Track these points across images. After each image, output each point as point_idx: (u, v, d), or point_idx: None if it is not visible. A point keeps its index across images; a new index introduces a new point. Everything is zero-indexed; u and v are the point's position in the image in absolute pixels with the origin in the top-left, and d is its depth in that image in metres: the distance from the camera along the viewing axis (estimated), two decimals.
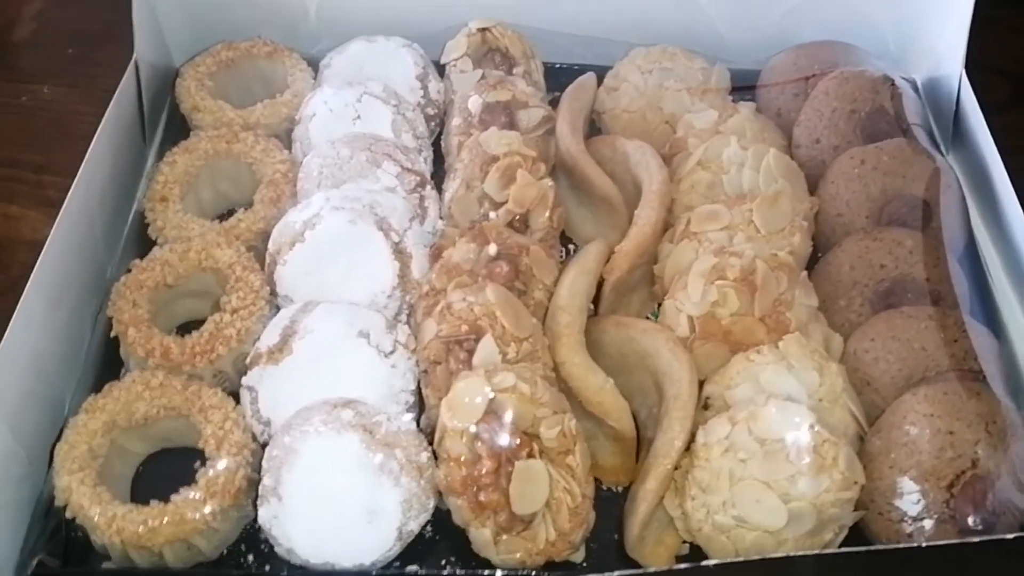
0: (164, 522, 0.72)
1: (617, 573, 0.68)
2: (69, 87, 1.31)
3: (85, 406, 0.79)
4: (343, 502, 0.73)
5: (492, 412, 0.74)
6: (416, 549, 0.78)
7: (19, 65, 1.36)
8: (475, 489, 0.73)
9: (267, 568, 0.77)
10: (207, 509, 0.73)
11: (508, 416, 0.74)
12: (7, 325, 1.02)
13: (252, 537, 0.79)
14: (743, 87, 1.09)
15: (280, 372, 0.80)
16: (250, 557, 0.78)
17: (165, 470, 0.83)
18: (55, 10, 1.44)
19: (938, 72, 1.10)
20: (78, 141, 1.23)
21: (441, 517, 0.78)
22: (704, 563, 0.69)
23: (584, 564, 0.78)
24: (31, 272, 1.07)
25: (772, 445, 0.75)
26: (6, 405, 0.76)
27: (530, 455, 0.74)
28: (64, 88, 1.31)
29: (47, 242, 0.84)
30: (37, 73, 1.33)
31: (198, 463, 0.80)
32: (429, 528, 0.79)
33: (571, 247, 0.99)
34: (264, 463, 0.76)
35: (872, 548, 0.75)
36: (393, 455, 0.74)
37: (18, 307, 0.79)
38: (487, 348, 0.79)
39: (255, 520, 0.78)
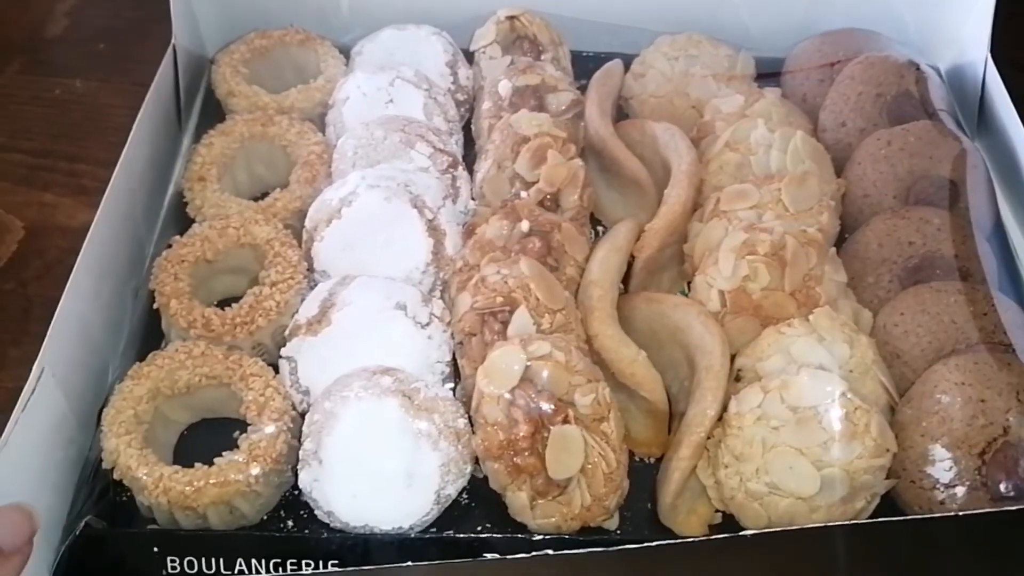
0: (209, 483, 0.73)
1: (655, 543, 0.68)
2: (101, 81, 1.33)
3: (131, 373, 0.80)
4: (382, 466, 0.75)
5: (528, 379, 0.76)
6: (452, 515, 0.79)
7: (52, 60, 1.39)
8: (512, 453, 0.75)
9: (306, 532, 0.79)
10: (252, 471, 0.74)
11: (544, 383, 0.75)
12: (44, 307, 1.05)
13: (292, 503, 0.80)
14: (767, 74, 1.10)
15: (319, 343, 0.82)
16: (289, 523, 0.80)
17: (206, 440, 0.84)
18: (87, 7, 1.47)
19: (962, 60, 1.11)
20: (111, 133, 1.26)
21: (477, 485, 0.80)
22: (742, 533, 0.70)
23: (618, 532, 0.79)
24: (66, 257, 1.10)
25: (804, 412, 0.76)
26: (60, 372, 0.77)
27: (565, 421, 0.75)
28: (96, 82, 1.33)
29: (94, 220, 0.86)
30: (70, 67, 1.36)
31: (238, 432, 0.81)
32: (465, 495, 0.80)
33: (600, 229, 1.00)
34: (305, 428, 0.77)
35: (906, 518, 0.76)
36: (432, 420, 0.75)
37: (69, 281, 0.81)
38: (522, 319, 0.80)
39: (294, 487, 0.79)
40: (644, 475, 0.83)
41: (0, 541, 0.61)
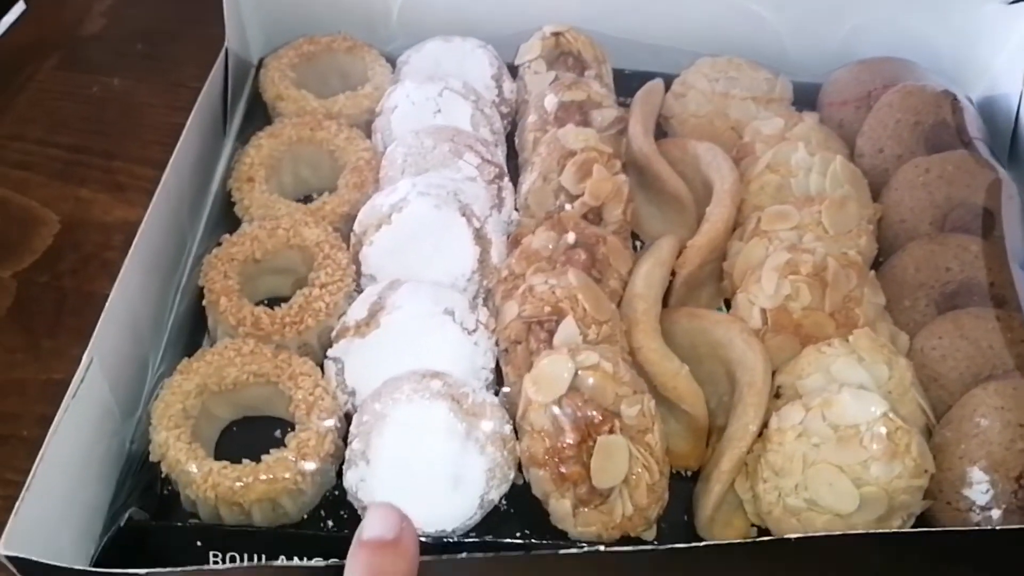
0: (258, 479, 0.74)
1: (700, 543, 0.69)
2: (138, 80, 1.35)
3: (180, 368, 0.81)
4: (430, 468, 0.75)
5: (575, 388, 0.77)
6: (491, 521, 0.80)
7: (90, 57, 1.41)
8: (557, 461, 0.76)
9: (345, 532, 0.79)
10: (303, 467, 0.75)
11: (591, 392, 0.76)
12: (79, 300, 1.06)
13: (332, 504, 0.81)
14: (804, 100, 1.12)
15: (367, 345, 0.82)
16: (329, 523, 0.81)
17: (246, 437, 0.85)
18: (124, 7, 1.48)
19: (994, 91, 1.13)
20: (147, 131, 1.28)
21: (515, 492, 0.80)
22: (784, 536, 0.71)
23: (655, 542, 0.80)
24: (101, 252, 1.12)
25: (846, 431, 0.77)
26: (107, 362, 0.78)
27: (611, 431, 0.76)
28: (133, 81, 1.35)
29: (145, 216, 0.86)
30: (107, 66, 1.37)
31: (278, 432, 0.83)
32: (504, 502, 0.81)
33: (638, 244, 1.02)
34: (353, 428, 0.78)
35: (945, 530, 0.77)
36: (479, 425, 0.76)
37: (120, 273, 0.82)
38: (568, 329, 0.81)
39: (335, 488, 0.80)
40: (680, 488, 0.83)
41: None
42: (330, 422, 0.78)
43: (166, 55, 1.38)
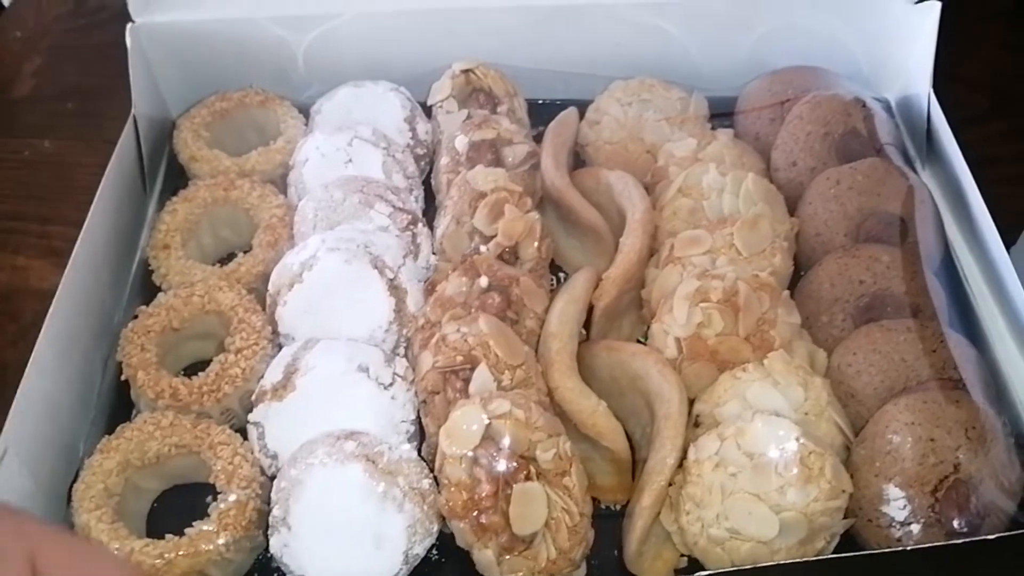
0: (180, 554, 0.75)
1: None
2: (70, 140, 1.34)
3: (100, 447, 0.82)
4: (350, 529, 0.76)
5: (489, 438, 0.77)
6: (423, 571, 0.80)
7: (20, 121, 1.40)
8: (476, 512, 0.76)
9: None
10: (220, 540, 0.76)
11: (505, 441, 0.77)
12: (20, 372, 1.06)
13: (265, 566, 0.82)
14: (721, 114, 1.13)
15: (284, 408, 0.83)
16: None
17: (178, 506, 0.85)
18: (54, 66, 1.48)
19: (909, 91, 1.14)
20: (81, 192, 1.26)
21: (446, 540, 0.81)
22: (700, 574, 0.72)
23: None
24: (40, 320, 1.12)
25: (760, 459, 0.77)
26: (25, 449, 0.79)
27: (527, 478, 0.76)
28: (65, 141, 1.34)
29: (57, 292, 0.87)
30: (38, 128, 1.37)
31: (210, 497, 0.83)
32: (435, 551, 0.82)
33: (561, 275, 1.02)
34: (273, 495, 0.79)
35: (861, 553, 0.78)
36: (396, 483, 0.77)
37: (32, 355, 0.82)
38: (482, 376, 0.82)
39: (267, 549, 0.81)
40: (610, 523, 0.84)
41: None
42: (248, 491, 0.78)
43: (97, 112, 1.37)
